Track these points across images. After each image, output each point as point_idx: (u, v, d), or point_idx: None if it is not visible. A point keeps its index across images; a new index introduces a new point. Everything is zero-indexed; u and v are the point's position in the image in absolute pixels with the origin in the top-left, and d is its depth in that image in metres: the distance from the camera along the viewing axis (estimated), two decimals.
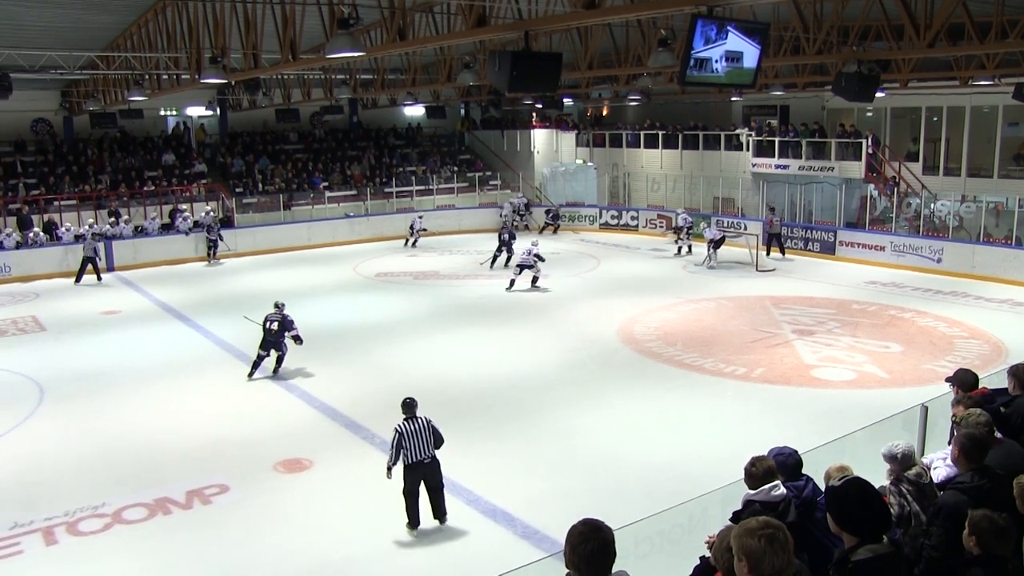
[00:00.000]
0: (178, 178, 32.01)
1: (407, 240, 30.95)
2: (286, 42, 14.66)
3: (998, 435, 5.68)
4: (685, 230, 28.64)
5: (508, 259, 25.73)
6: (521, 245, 24.57)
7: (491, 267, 25.96)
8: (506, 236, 26.38)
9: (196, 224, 29.09)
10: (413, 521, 9.57)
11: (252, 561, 9.16)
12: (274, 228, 30.70)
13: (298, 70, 25.01)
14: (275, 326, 15.35)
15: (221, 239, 28.25)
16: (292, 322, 15.52)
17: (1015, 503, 4.73)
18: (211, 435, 12.71)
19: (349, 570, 8.92)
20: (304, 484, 11.06)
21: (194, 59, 17.44)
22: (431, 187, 35.64)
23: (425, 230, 30.84)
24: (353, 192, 34.20)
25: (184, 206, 30.31)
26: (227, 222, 29.89)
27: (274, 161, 34.61)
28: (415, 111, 37.91)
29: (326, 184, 33.99)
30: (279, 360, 15.60)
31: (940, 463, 6.04)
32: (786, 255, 27.39)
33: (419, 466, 9.47)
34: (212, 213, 29.64)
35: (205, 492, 10.75)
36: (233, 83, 24.07)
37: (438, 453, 9.65)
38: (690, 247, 28.48)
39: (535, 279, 22.95)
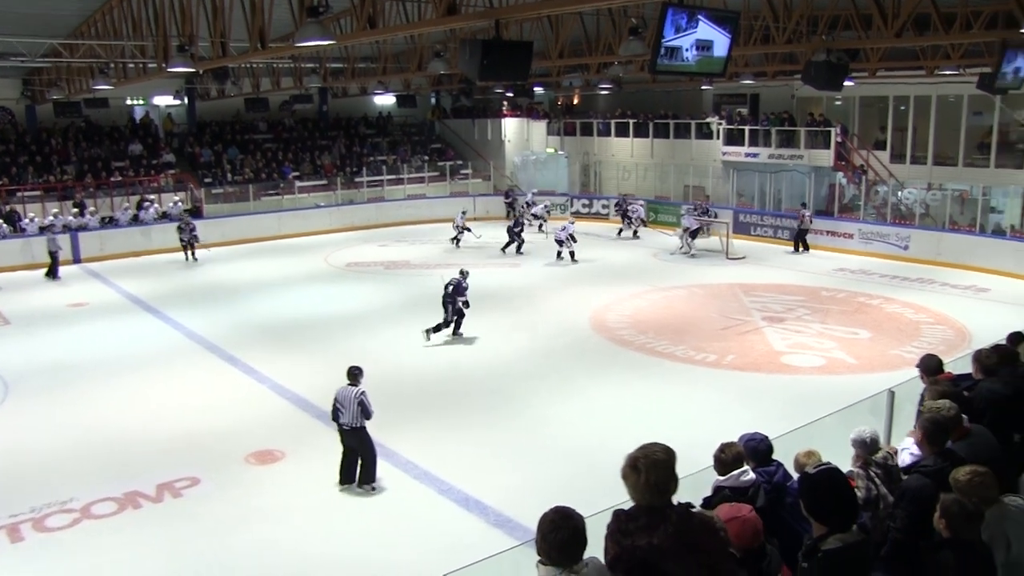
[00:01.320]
0: (146, 168, 31.67)
1: (455, 238, 29.12)
2: (255, 30, 14.50)
3: (967, 424, 5.74)
4: (637, 218, 30.12)
5: (519, 246, 26.87)
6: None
7: (504, 251, 26.99)
8: (513, 225, 27.33)
9: (164, 215, 28.80)
10: (341, 477, 10.46)
11: (224, 554, 9.10)
12: (244, 218, 30.46)
13: (267, 59, 24.77)
14: (449, 288, 16.83)
15: (196, 239, 26.76)
16: (464, 289, 16.89)
17: None
18: (182, 427, 12.61)
19: (322, 561, 8.88)
20: (276, 476, 11.02)
21: (161, 47, 17.20)
22: (402, 176, 35.51)
23: (468, 229, 29.02)
24: (323, 182, 34.01)
25: (152, 197, 29.95)
26: (196, 212, 29.54)
27: (243, 151, 34.31)
28: (386, 100, 37.71)
29: (296, 174, 33.77)
30: (446, 323, 16.88)
31: (908, 445, 6.12)
32: (809, 250, 26.87)
33: (341, 430, 10.39)
34: (180, 204, 29.34)
35: (176, 485, 10.66)
36: (201, 72, 23.77)
37: (369, 425, 10.40)
38: (635, 232, 29.98)
39: (572, 253, 25.11)
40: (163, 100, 34.86)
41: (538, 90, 36.17)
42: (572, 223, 25.99)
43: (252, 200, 31.35)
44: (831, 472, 4.04)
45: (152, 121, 34.65)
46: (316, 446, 11.79)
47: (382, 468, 10.81)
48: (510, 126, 38.17)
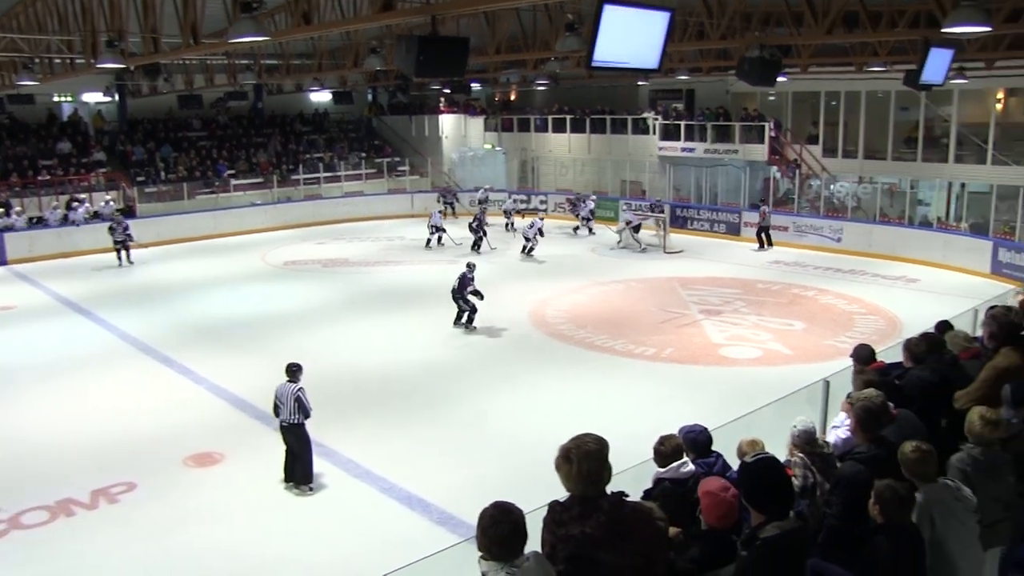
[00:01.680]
0: (75, 167, 30.90)
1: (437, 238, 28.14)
2: (187, 26, 14.24)
3: (893, 410, 5.87)
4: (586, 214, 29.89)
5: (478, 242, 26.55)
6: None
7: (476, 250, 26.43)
8: (475, 224, 26.91)
9: (95, 215, 28.17)
10: (285, 475, 10.45)
11: (163, 560, 8.92)
12: (178, 217, 29.89)
13: (200, 55, 24.40)
14: (456, 283, 17.09)
15: (131, 238, 25.31)
16: (470, 281, 17.19)
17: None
18: (117, 431, 12.33)
19: (263, 562, 8.78)
20: (216, 478, 10.85)
21: (89, 42, 16.81)
22: (339, 174, 35.21)
23: (443, 229, 27.87)
24: (259, 180, 33.51)
25: (82, 196, 29.23)
26: (129, 212, 28.92)
27: (177, 149, 33.65)
28: (322, 97, 37.31)
29: (231, 172, 33.25)
30: (460, 315, 17.26)
31: (840, 425, 6.26)
32: (773, 246, 26.40)
33: (281, 427, 10.40)
34: (112, 203, 28.68)
35: (111, 491, 10.42)
36: (132, 68, 23.29)
37: (308, 423, 10.42)
38: (589, 229, 29.68)
39: (531, 249, 25.32)
40: (93, 97, 33.98)
41: (475, 86, 36.20)
42: (541, 219, 26.11)
43: (187, 199, 30.78)
44: (768, 461, 4.10)
45: (81, 118, 33.84)
46: (256, 447, 11.66)
47: (323, 467, 10.74)
48: (447, 122, 38.06)
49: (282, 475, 10.49)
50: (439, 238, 27.46)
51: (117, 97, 33.83)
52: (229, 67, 27.02)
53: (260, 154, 35.13)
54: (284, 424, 10.34)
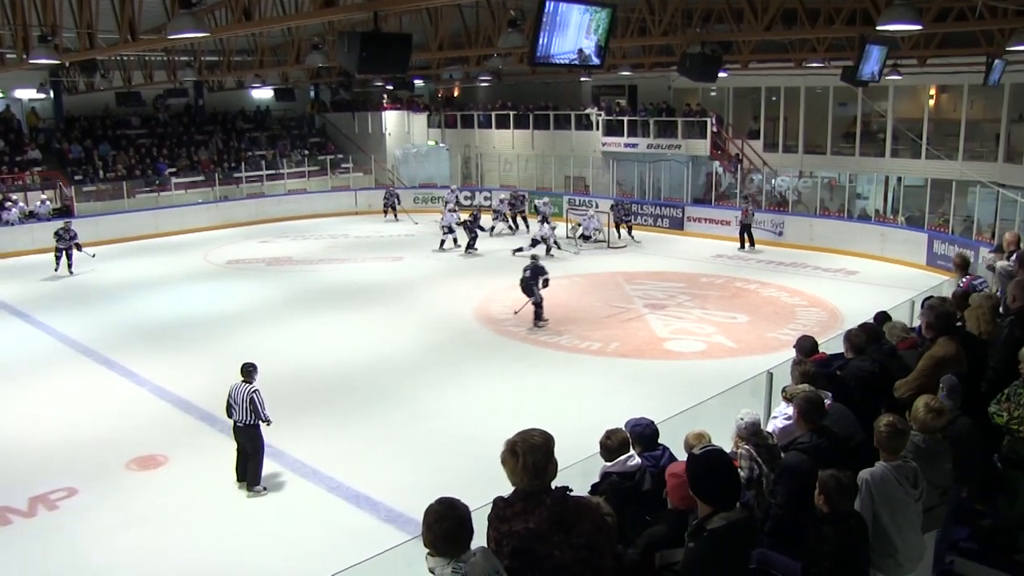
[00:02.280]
0: (8, 165, 30.14)
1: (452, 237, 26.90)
2: (124, 21, 13.96)
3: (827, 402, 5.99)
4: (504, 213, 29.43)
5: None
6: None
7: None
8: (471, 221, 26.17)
9: (30, 214, 27.53)
10: (237, 475, 10.40)
11: (105, 567, 8.76)
12: (118, 217, 29.28)
13: (138, 51, 23.91)
14: (527, 272, 17.34)
15: (79, 247, 23.52)
16: (542, 270, 17.44)
17: (852, 460, 5.01)
18: (57, 436, 12.05)
19: (209, 568, 8.66)
20: (159, 481, 10.67)
21: (20, 37, 16.38)
22: (282, 171, 34.81)
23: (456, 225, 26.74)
24: (201, 178, 33.00)
25: (15, 195, 28.51)
26: (67, 211, 28.32)
27: (116, 147, 32.96)
28: (263, 94, 36.91)
29: (173, 170, 32.68)
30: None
31: (778, 415, 6.37)
32: (755, 246, 25.55)
33: (235, 427, 10.32)
34: (48, 203, 28.04)
35: (51, 497, 10.19)
36: (67, 64, 22.78)
37: (265, 428, 10.38)
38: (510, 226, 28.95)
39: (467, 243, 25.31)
40: (26, 93, 33.07)
41: (418, 83, 36.07)
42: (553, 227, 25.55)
43: (127, 198, 30.13)
44: (714, 453, 4.15)
45: (14, 115, 32.99)
46: (201, 448, 11.52)
47: (271, 467, 10.63)
48: (391, 119, 37.86)
49: (234, 475, 10.40)
50: (454, 239, 26.19)
51: (52, 94, 33.03)
52: (168, 64, 26.56)
53: (201, 152, 34.60)
54: (238, 424, 10.26)
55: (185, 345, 16.48)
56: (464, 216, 26.66)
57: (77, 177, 30.51)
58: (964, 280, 10.42)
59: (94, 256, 23.82)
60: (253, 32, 20.87)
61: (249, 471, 10.26)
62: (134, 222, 29.37)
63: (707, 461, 4.07)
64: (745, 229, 25.65)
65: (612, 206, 27.73)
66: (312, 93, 40.34)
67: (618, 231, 27.13)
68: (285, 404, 13.04)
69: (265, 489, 10.23)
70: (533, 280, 17.24)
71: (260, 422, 10.25)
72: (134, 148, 33.36)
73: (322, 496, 10.11)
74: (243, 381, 10.36)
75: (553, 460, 3.69)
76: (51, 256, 23.73)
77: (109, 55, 22.60)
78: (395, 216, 31.68)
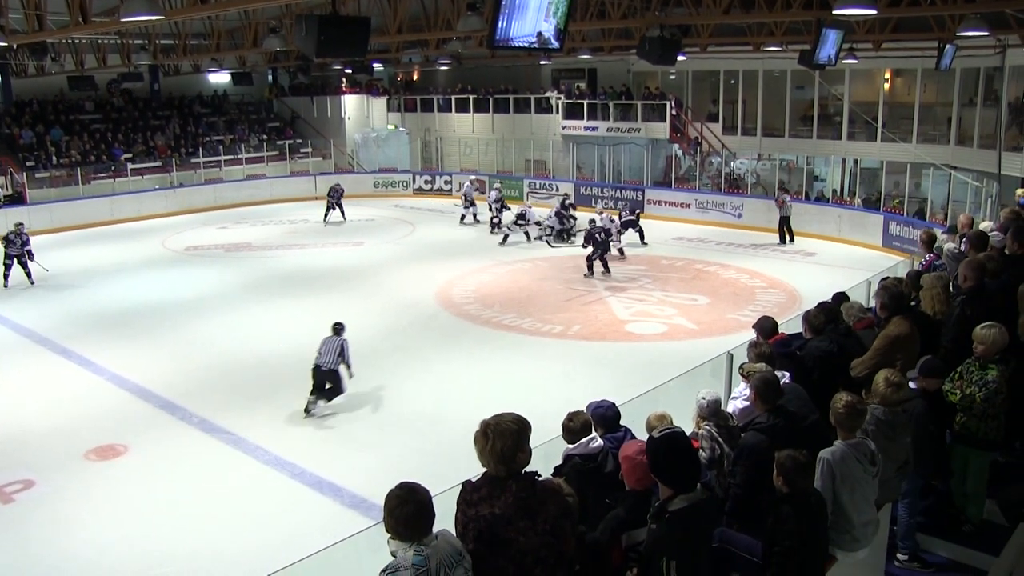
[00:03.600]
0: None
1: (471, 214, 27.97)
2: (75, 3, 13.69)
3: (784, 381, 6.08)
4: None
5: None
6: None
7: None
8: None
9: None
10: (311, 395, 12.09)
11: (64, 558, 8.66)
12: (73, 203, 28.79)
13: (90, 34, 23.47)
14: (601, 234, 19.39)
15: (30, 256, 20.18)
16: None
17: (809, 439, 5.09)
18: (12, 427, 11.91)
19: (172, 557, 8.60)
20: (119, 471, 10.57)
21: None
22: (240, 156, 34.42)
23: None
24: (158, 163, 32.52)
25: None
26: (18, 198, 27.80)
27: (69, 132, 32.34)
28: (220, 78, 36.42)
29: (128, 156, 32.17)
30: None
31: (738, 396, 6.46)
32: (794, 240, 23.81)
33: (318, 370, 12.02)
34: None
35: (7, 490, 10.06)
36: (15, 47, 22.28)
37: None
38: (475, 215, 27.91)
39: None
40: None
41: (377, 66, 35.84)
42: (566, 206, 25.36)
43: (81, 184, 29.62)
44: (673, 436, 4.18)
45: None
46: (161, 437, 11.43)
47: (231, 455, 10.62)
48: (350, 103, 37.56)
49: (308, 397, 11.99)
50: (474, 214, 27.75)
51: (0, 77, 32.34)
52: (123, 47, 26.07)
53: (158, 137, 34.09)
54: (321, 368, 11.96)
55: (143, 333, 16.30)
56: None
57: (29, 163, 29.89)
58: (928, 257, 10.58)
59: (48, 271, 20.66)
60: (209, 15, 20.59)
61: (331, 394, 12.12)
62: (89, 209, 28.91)
63: (666, 443, 4.11)
64: (784, 222, 23.90)
65: (622, 210, 25.67)
66: (270, 77, 39.88)
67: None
68: (246, 391, 13.04)
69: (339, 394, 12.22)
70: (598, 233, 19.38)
71: (343, 366, 12.08)
72: (88, 133, 32.76)
73: (284, 483, 10.07)
74: (333, 335, 12.22)
75: (525, 449, 3.71)
76: None
77: (60, 38, 22.13)
78: (342, 214, 28.52)
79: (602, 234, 19.92)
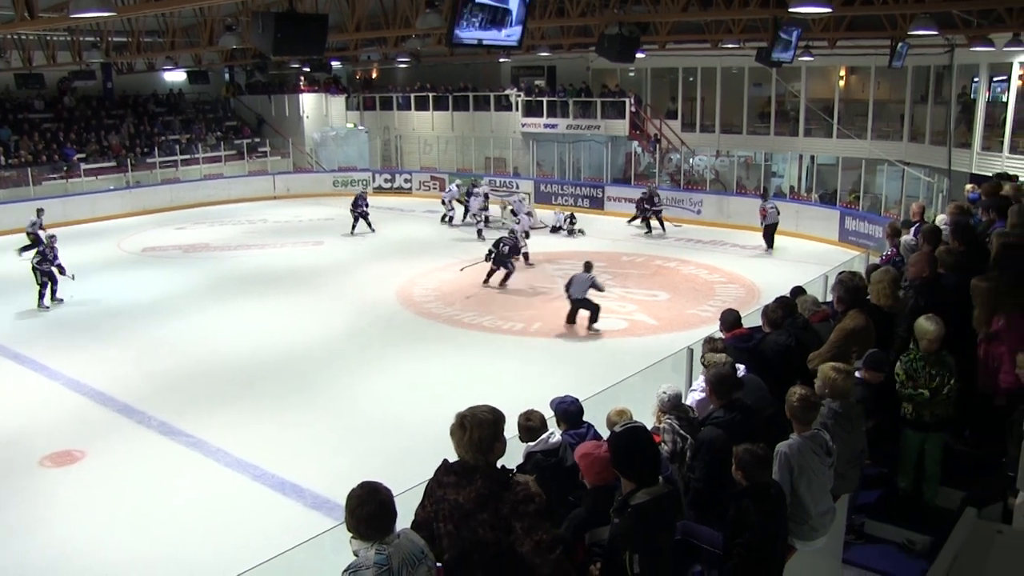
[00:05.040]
0: None
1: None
2: None
3: (741, 373, 6.15)
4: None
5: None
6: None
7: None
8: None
9: None
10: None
11: (21, 566, 8.51)
12: (24, 205, 28.04)
13: (38, 30, 23.07)
14: (506, 248, 18.72)
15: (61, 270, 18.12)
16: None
17: (767, 432, 5.16)
18: None
19: (131, 565, 8.49)
20: (76, 477, 10.41)
21: None
22: (197, 156, 34.05)
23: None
24: (112, 163, 32.06)
25: None
26: None
27: (17, 131, 31.71)
28: (176, 76, 36.01)
29: (81, 156, 31.66)
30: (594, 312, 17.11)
31: (696, 388, 6.53)
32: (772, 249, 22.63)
33: (572, 299, 15.35)
34: None
35: None
36: None
37: None
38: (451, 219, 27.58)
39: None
40: None
41: (335, 64, 35.58)
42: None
43: (32, 185, 29.11)
44: (634, 430, 4.23)
45: None
46: (119, 442, 11.28)
47: (191, 457, 10.53)
48: (308, 101, 37.31)
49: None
50: (450, 218, 27.52)
51: None
52: (73, 44, 25.63)
53: (112, 137, 33.59)
54: (576, 298, 15.12)
55: (100, 337, 16.07)
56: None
57: None
58: (890, 251, 10.71)
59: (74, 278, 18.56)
60: (163, 12, 20.34)
61: (593, 317, 15.16)
62: None
63: (628, 437, 4.16)
64: (769, 230, 22.62)
65: (642, 196, 25.92)
66: (227, 75, 39.49)
67: (650, 223, 25.60)
68: (205, 393, 12.92)
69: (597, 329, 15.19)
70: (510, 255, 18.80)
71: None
72: (39, 133, 32.13)
73: (247, 485, 10.00)
74: (584, 271, 15.24)
75: (501, 439, 3.77)
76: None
77: (4, 33, 21.71)
78: (369, 226, 26.02)
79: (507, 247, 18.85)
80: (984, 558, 3.69)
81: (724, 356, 6.17)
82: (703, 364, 6.49)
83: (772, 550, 4.55)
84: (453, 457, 3.85)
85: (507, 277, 18.87)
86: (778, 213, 22.72)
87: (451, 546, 3.74)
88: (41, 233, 21.33)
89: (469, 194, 26.33)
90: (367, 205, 26.15)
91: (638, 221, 25.93)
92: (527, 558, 3.66)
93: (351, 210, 25.72)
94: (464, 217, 27.01)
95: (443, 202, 28.09)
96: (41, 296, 18.01)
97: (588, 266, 15.65)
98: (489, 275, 18.91)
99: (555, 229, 25.51)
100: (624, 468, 4.14)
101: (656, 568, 4.00)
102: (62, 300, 18.36)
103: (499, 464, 3.84)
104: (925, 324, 6.18)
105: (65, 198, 29.35)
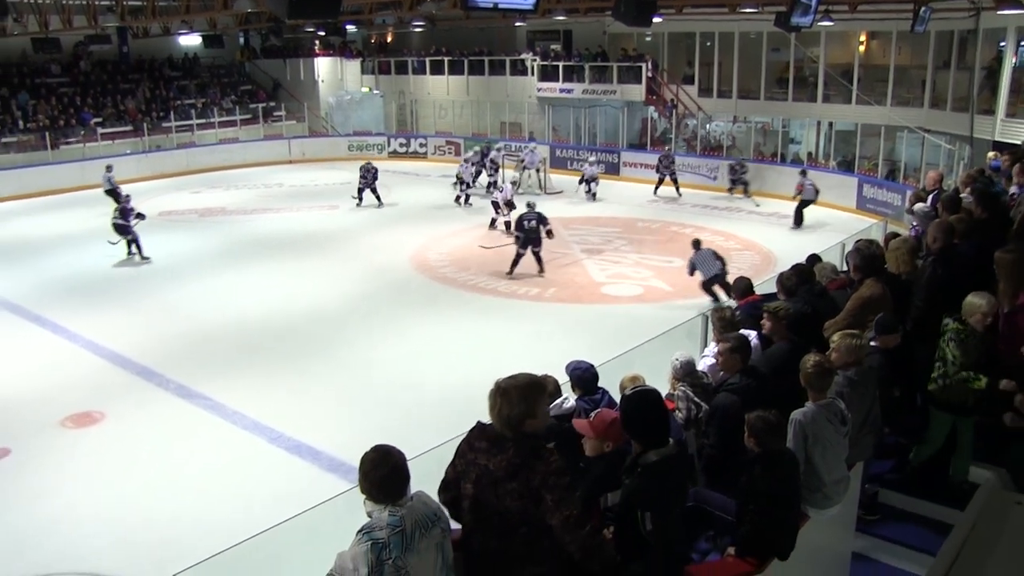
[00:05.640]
0: None
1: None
2: None
3: (753, 342, 6.13)
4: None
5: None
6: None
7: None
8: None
9: None
10: None
11: (44, 526, 8.64)
12: (42, 169, 28.36)
13: None
14: (534, 223, 16.75)
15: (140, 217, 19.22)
16: (546, 218, 16.96)
17: (780, 399, 5.15)
18: None
19: (151, 524, 8.60)
20: (96, 438, 10.53)
21: None
22: (212, 120, 34.03)
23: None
24: (128, 128, 32.10)
25: None
26: None
27: (35, 96, 31.79)
28: (191, 40, 35.87)
29: (98, 120, 31.70)
30: (538, 256, 16.94)
31: (707, 355, 6.53)
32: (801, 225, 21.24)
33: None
34: None
35: None
36: None
37: None
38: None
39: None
40: None
41: (350, 28, 35.40)
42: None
43: (50, 149, 29.22)
44: (643, 393, 4.25)
45: None
46: (138, 404, 11.39)
47: (209, 420, 10.61)
48: (323, 66, 37.17)
49: None
50: (467, 197, 24.76)
51: None
52: (88, 8, 25.56)
53: (128, 101, 33.62)
54: (710, 276, 14.20)
55: (118, 300, 16.18)
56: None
57: None
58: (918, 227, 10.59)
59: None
60: None
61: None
62: (59, 174, 28.49)
63: (638, 400, 4.19)
64: (803, 207, 21.50)
65: (660, 159, 25.90)
66: (242, 40, 39.36)
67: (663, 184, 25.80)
68: (222, 356, 13.01)
69: None
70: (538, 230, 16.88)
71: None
72: (56, 97, 32.22)
73: (263, 447, 10.08)
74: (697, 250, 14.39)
75: (537, 414, 3.72)
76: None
77: None
78: (377, 199, 24.96)
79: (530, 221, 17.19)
80: (1002, 528, 3.68)
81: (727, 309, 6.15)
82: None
83: (784, 517, 4.56)
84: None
85: (519, 255, 17.11)
86: (816, 192, 21.47)
87: (473, 509, 3.75)
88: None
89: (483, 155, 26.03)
90: (375, 178, 24.67)
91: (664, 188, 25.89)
92: (556, 532, 3.66)
93: (360, 181, 24.42)
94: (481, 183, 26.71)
95: (457, 181, 25.48)
96: (137, 247, 19.01)
97: (697, 243, 14.73)
98: (515, 262, 17.06)
99: (584, 181, 25.25)
100: (634, 429, 4.17)
101: (667, 526, 4.02)
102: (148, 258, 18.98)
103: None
104: (975, 300, 5.95)
105: (83, 162, 29.39)
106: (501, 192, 21.14)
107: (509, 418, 3.66)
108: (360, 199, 24.56)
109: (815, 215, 22.35)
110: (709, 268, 14.34)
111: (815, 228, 20.61)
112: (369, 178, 24.51)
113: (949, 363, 5.94)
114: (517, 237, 17.04)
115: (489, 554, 3.76)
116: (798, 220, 21.34)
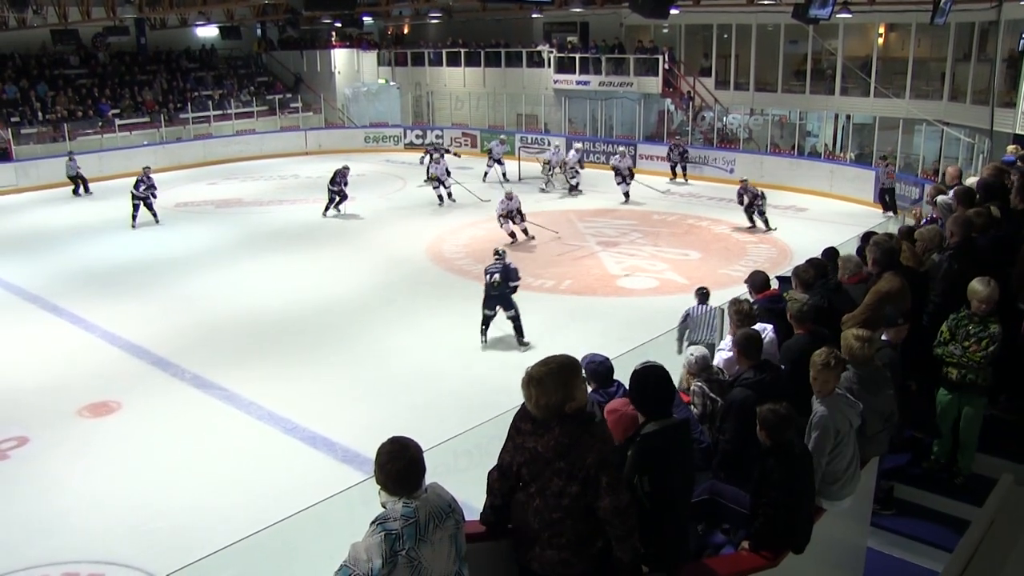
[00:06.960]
0: None
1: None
2: None
3: (769, 336, 6.10)
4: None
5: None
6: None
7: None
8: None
9: None
10: None
11: (60, 515, 8.71)
12: (60, 160, 28.41)
13: None
14: (497, 277, 12.79)
15: (154, 197, 21.91)
16: (515, 271, 13.10)
17: (793, 392, 5.13)
18: (6, 385, 11.94)
19: (165, 513, 8.66)
20: (113, 428, 10.61)
21: None
22: (229, 112, 34.11)
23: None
24: (146, 119, 32.23)
25: None
26: (3, 155, 27.53)
27: (53, 87, 31.99)
28: (208, 32, 35.98)
29: (116, 111, 31.84)
30: (515, 322, 12.90)
31: (724, 348, 6.50)
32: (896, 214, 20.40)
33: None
34: None
35: (1, 447, 10.10)
36: None
37: None
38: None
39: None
40: None
41: (367, 20, 35.42)
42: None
43: (68, 140, 29.33)
44: (651, 367, 4.30)
45: None
46: (154, 394, 11.46)
47: (225, 410, 10.66)
48: (340, 57, 37.22)
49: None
50: (449, 193, 23.91)
51: None
52: (107, 0, 25.73)
53: (145, 92, 33.75)
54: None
55: (135, 290, 16.26)
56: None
57: (13, 118, 29.58)
58: (934, 213, 10.57)
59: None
60: None
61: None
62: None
63: (644, 373, 4.25)
64: (886, 193, 21.37)
65: (670, 148, 26.89)
66: (259, 31, 39.46)
67: (674, 174, 26.84)
68: (238, 346, 13.07)
69: None
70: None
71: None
72: (73, 88, 32.39)
73: (278, 438, 10.13)
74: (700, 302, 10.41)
75: (575, 396, 3.71)
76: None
77: None
78: (337, 206, 22.85)
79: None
80: (1021, 526, 3.65)
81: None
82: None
83: (799, 510, 4.55)
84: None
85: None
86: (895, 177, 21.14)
87: (522, 489, 3.78)
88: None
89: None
90: (346, 184, 22.55)
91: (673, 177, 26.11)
92: (602, 515, 3.67)
93: (328, 186, 22.55)
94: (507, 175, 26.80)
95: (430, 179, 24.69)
96: (152, 212, 21.75)
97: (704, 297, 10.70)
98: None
99: (619, 176, 24.07)
100: (639, 403, 4.23)
101: (667, 489, 4.03)
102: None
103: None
104: (976, 286, 6.12)
105: (100, 153, 29.57)
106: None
107: (548, 407, 3.65)
108: (327, 208, 22.52)
109: (831, 208, 22.28)
110: (700, 333, 10.15)
111: (831, 221, 20.50)
112: (340, 183, 22.29)
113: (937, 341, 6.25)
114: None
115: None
116: (893, 207, 20.90)
